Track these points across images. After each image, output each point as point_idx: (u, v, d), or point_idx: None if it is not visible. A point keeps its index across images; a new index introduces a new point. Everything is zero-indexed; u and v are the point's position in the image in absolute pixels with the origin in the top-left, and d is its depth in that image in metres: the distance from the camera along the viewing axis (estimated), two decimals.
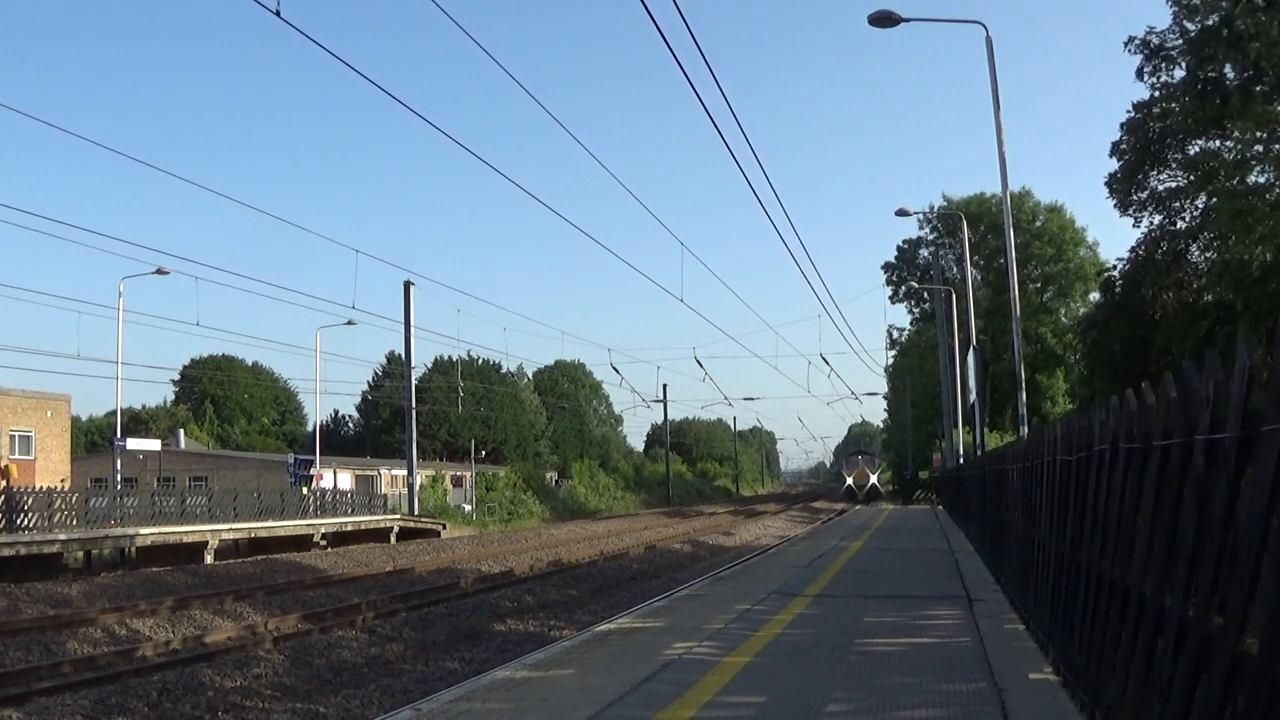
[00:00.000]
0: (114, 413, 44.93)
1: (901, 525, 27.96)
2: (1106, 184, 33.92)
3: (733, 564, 20.07)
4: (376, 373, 74.94)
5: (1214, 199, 29.58)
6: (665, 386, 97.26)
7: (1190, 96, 29.40)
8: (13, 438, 40.51)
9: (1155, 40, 30.73)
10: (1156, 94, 31.25)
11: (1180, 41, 29.83)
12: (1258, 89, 27.20)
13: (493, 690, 6.35)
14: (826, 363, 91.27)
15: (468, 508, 51.23)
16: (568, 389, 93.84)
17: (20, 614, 16.35)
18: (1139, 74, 31.34)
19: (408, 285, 42.30)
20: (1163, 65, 30.97)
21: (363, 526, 36.02)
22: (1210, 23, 28.27)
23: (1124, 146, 32.62)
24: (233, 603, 18.31)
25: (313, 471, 48.25)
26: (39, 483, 32.91)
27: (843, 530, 25.28)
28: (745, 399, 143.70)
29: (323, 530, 33.31)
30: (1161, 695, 3.56)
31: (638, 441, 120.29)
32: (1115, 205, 33.63)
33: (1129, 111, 32.21)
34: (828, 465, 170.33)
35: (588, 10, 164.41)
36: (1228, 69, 28.14)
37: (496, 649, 14.15)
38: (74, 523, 25.66)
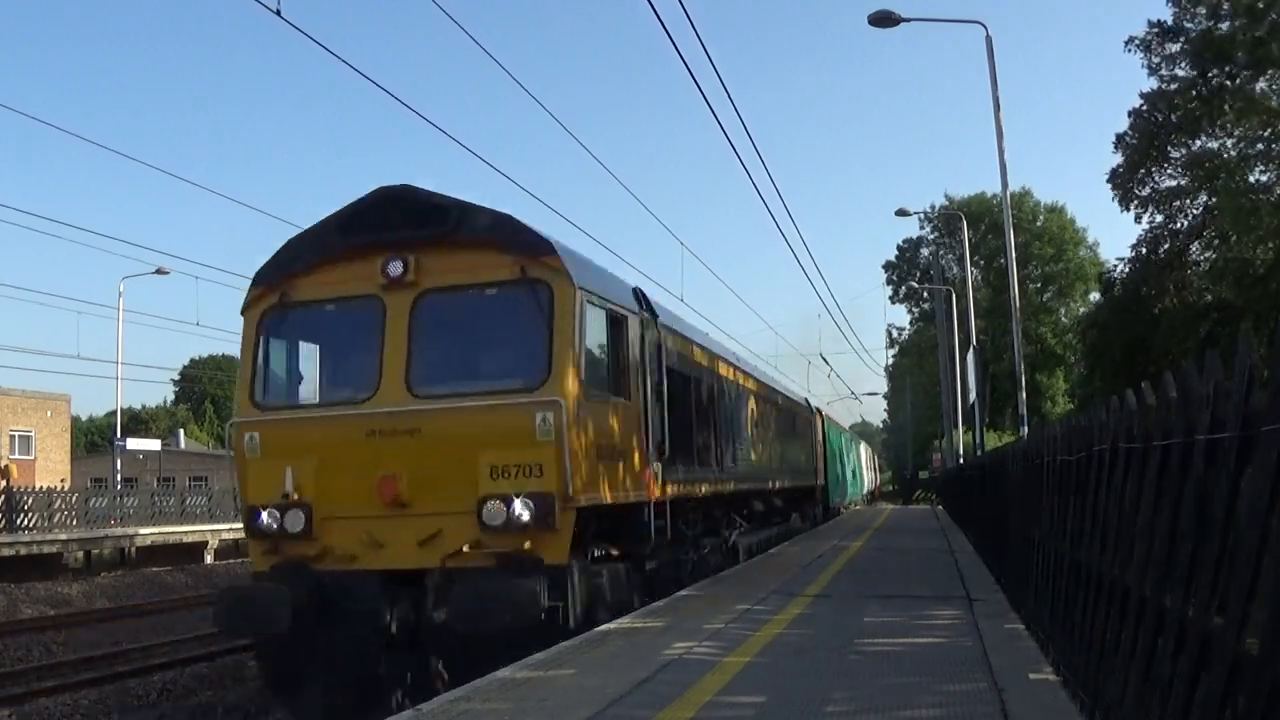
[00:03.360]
0: (114, 413, 44.93)
1: (901, 525, 27.94)
2: (1109, 179, 33.95)
3: (732, 564, 20.04)
4: None
5: (1215, 198, 29.60)
6: None
7: (1193, 90, 29.44)
8: (13, 438, 40.54)
9: (1157, 38, 30.76)
10: (1162, 85, 31.24)
11: (1181, 41, 29.88)
12: (1259, 85, 27.26)
13: (492, 690, 6.34)
14: (826, 363, 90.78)
15: None
16: None
17: (20, 614, 16.34)
18: (1145, 49, 31.15)
19: None
20: (1164, 63, 31.02)
21: None
22: (1211, 23, 28.31)
23: (1129, 138, 32.59)
24: None
25: None
26: (39, 483, 32.91)
27: (843, 530, 25.26)
28: None
29: None
30: (1161, 695, 3.55)
31: None
32: (1118, 200, 33.67)
33: (1139, 102, 32.21)
34: None
35: (589, 10, 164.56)
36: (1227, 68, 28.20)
37: None
38: (74, 523, 25.67)
